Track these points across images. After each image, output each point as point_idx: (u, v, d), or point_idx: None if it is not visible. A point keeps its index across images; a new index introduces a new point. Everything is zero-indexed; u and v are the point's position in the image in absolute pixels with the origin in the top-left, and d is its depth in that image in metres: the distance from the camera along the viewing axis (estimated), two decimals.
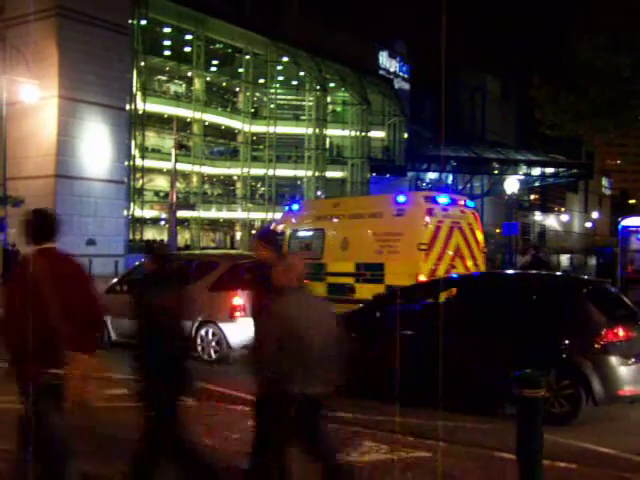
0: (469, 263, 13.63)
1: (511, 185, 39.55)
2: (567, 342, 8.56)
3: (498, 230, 64.67)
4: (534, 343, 8.63)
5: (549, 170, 77.78)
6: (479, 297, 9.97)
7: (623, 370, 8.28)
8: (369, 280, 14.00)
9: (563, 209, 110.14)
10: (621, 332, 8.44)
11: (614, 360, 8.26)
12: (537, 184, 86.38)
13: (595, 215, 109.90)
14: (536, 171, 76.77)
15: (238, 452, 6.90)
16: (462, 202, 14.31)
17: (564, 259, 50.61)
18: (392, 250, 13.73)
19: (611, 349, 8.31)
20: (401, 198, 14.39)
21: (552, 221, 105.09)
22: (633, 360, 8.37)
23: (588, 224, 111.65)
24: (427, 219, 13.32)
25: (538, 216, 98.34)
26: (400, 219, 13.92)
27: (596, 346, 8.36)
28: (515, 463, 5.17)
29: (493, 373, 8.79)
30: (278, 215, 57.59)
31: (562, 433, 7.60)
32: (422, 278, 12.87)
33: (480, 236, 14.10)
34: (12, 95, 32.11)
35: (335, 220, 15.84)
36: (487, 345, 9.01)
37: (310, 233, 16.37)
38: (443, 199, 13.79)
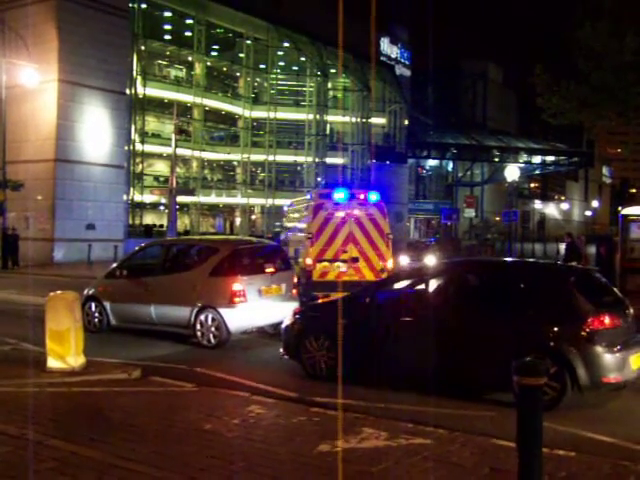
0: (366, 248, 15.55)
1: (511, 173, 39.46)
2: (553, 329, 8.60)
3: (498, 218, 64.74)
4: (521, 330, 8.68)
5: (550, 158, 77.68)
6: (465, 285, 10.03)
7: (608, 358, 8.31)
8: (297, 262, 16.34)
9: (563, 197, 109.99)
10: (607, 320, 8.49)
11: (599, 348, 8.30)
12: (537, 172, 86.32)
13: (595, 204, 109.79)
14: (537, 159, 76.67)
15: (238, 437, 6.91)
16: (362, 196, 16.10)
17: (563, 247, 50.68)
18: (304, 239, 16.19)
19: (597, 337, 8.34)
20: (308, 196, 17.24)
21: (552, 209, 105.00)
22: (618, 348, 8.41)
23: (588, 213, 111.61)
24: (315, 213, 15.58)
25: (538, 204, 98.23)
26: (305, 213, 16.59)
27: (582, 334, 8.39)
28: (514, 451, 5.17)
29: (480, 359, 8.86)
30: (278, 201, 57.86)
31: (561, 421, 7.62)
32: (309, 261, 15.20)
33: (383, 224, 15.91)
34: (12, 79, 31.99)
35: (292, 215, 19.49)
36: (472, 333, 9.06)
37: (288, 225, 20.01)
38: (338, 195, 15.75)
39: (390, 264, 15.70)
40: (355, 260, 15.46)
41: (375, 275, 15.43)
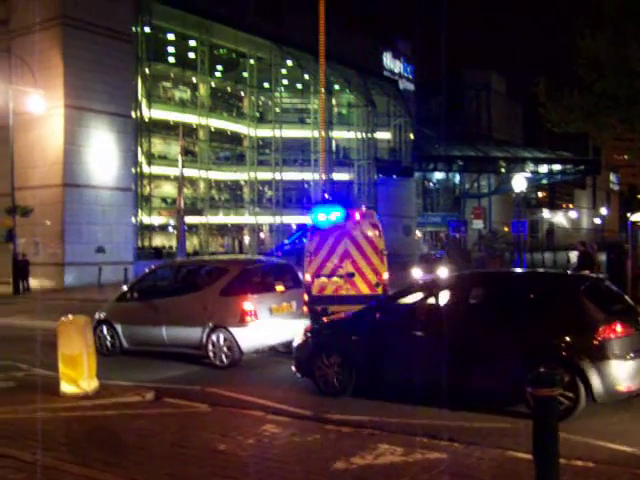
0: (361, 264, 16.22)
1: (519, 183, 39.32)
2: (566, 339, 8.57)
3: (507, 229, 64.59)
4: (533, 340, 8.66)
5: (556, 167, 77.55)
6: (475, 297, 10.02)
7: (621, 366, 8.27)
8: None
9: (571, 206, 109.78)
10: (619, 328, 8.44)
11: (612, 356, 8.27)
12: (545, 181, 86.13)
13: (604, 211, 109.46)
14: (543, 168, 76.57)
15: (252, 457, 6.89)
16: (357, 216, 16.83)
17: (572, 256, 50.51)
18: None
19: (609, 345, 8.31)
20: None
21: (560, 218, 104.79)
22: (632, 356, 8.37)
23: (597, 220, 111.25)
24: (313, 232, 16.47)
25: (546, 213, 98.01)
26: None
27: (594, 343, 8.36)
28: (531, 463, 5.14)
29: (493, 371, 8.83)
30: (286, 219, 57.94)
31: (576, 431, 7.57)
32: (307, 277, 15.97)
33: (378, 241, 16.53)
34: (19, 105, 32.25)
35: None
36: (484, 345, 9.03)
37: None
38: (331, 215, 16.58)
39: (386, 278, 16.32)
40: (351, 275, 16.17)
41: (371, 289, 16.06)
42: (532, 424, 5.13)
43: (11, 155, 32.65)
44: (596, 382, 8.19)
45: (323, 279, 16.17)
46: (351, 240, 16.40)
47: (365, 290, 16.03)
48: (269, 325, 12.85)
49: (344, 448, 7.00)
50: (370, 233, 16.62)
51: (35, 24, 34.83)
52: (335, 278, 16.18)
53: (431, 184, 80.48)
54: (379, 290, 15.93)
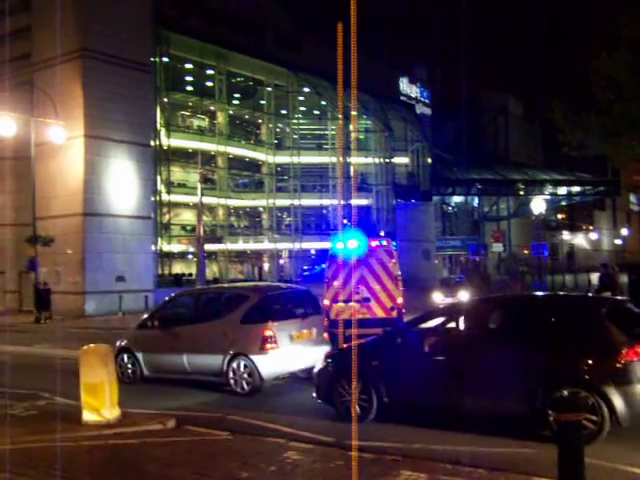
0: (376, 288, 16.86)
1: (538, 205, 39.29)
2: (588, 362, 8.50)
3: (527, 251, 64.18)
4: (555, 364, 8.58)
5: (575, 189, 77.17)
6: (496, 321, 9.97)
7: None
8: None
9: (591, 227, 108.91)
10: None
11: (636, 379, 8.17)
12: (564, 203, 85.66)
13: (624, 232, 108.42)
14: (562, 190, 76.20)
15: None
16: (372, 243, 17.50)
17: (594, 278, 50.10)
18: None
19: (633, 368, 8.23)
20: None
21: (581, 240, 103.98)
22: None
23: (618, 241, 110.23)
24: (331, 260, 17.27)
25: (566, 235, 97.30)
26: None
27: (617, 365, 8.29)
28: None
29: (516, 395, 8.75)
30: (305, 245, 57.98)
31: (602, 455, 7.47)
32: (326, 302, 16.66)
33: (392, 267, 17.20)
34: (40, 136, 32.71)
35: None
36: (506, 369, 8.96)
37: None
38: (350, 243, 17.12)
39: (400, 302, 16.93)
40: (367, 300, 16.80)
41: (386, 313, 16.69)
42: (557, 449, 5.08)
43: (32, 185, 33.07)
44: (620, 405, 8.09)
45: (340, 304, 16.70)
46: (367, 267, 17.00)
47: (380, 314, 16.67)
48: (290, 352, 12.84)
49: (367, 475, 6.95)
50: (385, 260, 17.21)
51: (56, 57, 35.38)
52: (352, 303, 16.65)
53: (450, 208, 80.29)
54: (394, 314, 16.62)
